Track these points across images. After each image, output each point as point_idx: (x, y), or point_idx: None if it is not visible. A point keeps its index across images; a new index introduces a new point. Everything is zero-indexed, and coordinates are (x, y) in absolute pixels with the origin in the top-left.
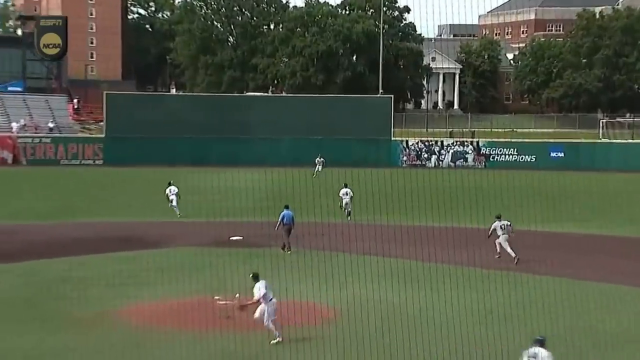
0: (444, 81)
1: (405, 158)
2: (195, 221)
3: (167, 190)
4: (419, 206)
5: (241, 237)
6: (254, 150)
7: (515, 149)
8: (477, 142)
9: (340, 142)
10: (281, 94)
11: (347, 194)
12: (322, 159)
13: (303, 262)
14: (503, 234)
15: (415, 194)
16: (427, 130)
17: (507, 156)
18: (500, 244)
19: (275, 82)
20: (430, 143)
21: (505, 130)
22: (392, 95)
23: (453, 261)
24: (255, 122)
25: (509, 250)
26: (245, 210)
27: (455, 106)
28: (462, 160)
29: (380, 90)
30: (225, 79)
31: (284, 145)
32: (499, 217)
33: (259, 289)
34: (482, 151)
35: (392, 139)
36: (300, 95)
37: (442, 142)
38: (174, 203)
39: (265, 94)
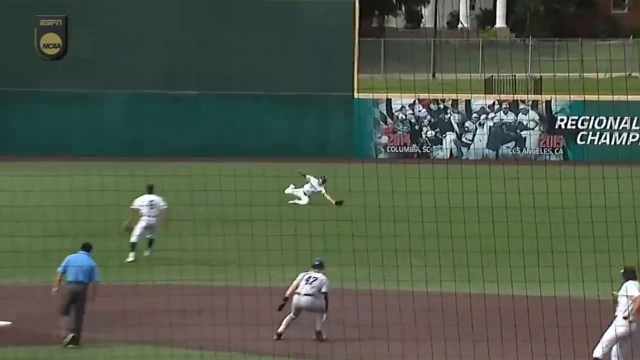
0: None
1: (385, 139)
2: None
3: None
4: (409, 253)
5: (7, 323)
6: (37, 123)
7: (636, 119)
8: (548, 104)
9: (242, 105)
10: None
11: (152, 207)
12: (320, 184)
13: None
14: (305, 294)
15: (403, 225)
16: (433, 76)
17: (614, 134)
18: (298, 307)
19: None
20: (443, 105)
21: (609, 75)
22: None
23: None
24: (42, 66)
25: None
26: (13, 259)
27: (499, 23)
28: (513, 143)
29: None
30: None
31: (110, 110)
32: (317, 267)
33: None
34: (559, 123)
35: (357, 96)
36: None
37: (468, 103)
38: None
39: None
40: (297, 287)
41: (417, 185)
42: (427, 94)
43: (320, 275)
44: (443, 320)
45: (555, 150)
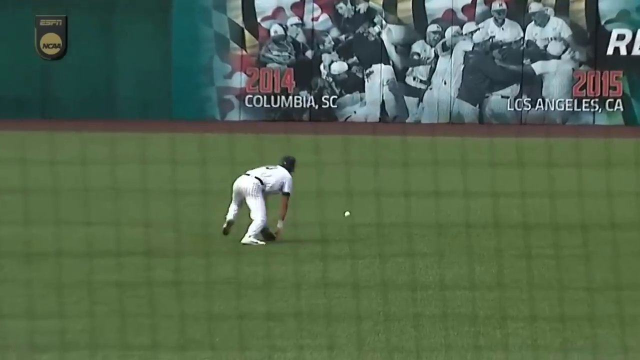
0: None
1: (241, 79)
2: None
3: None
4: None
5: None
6: None
7: None
8: (589, 4)
9: None
10: None
11: None
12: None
13: None
14: None
15: (279, 261)
16: None
17: None
18: None
19: None
20: (366, 7)
21: None
22: None
23: None
24: None
25: None
26: None
27: None
28: (516, 88)
29: None
30: None
31: None
32: None
33: None
34: (613, 44)
35: None
36: None
37: (419, 2)
38: None
39: None
40: None
41: (313, 180)
42: None
43: None
44: None
45: (607, 103)
